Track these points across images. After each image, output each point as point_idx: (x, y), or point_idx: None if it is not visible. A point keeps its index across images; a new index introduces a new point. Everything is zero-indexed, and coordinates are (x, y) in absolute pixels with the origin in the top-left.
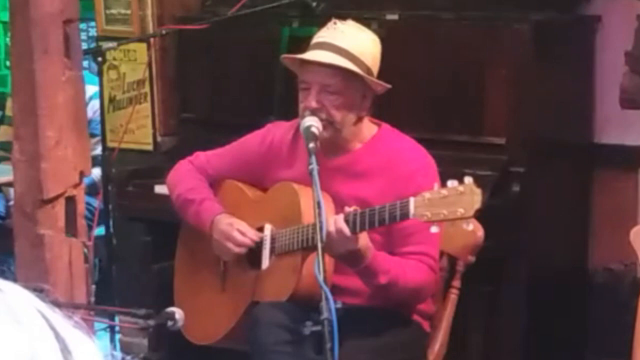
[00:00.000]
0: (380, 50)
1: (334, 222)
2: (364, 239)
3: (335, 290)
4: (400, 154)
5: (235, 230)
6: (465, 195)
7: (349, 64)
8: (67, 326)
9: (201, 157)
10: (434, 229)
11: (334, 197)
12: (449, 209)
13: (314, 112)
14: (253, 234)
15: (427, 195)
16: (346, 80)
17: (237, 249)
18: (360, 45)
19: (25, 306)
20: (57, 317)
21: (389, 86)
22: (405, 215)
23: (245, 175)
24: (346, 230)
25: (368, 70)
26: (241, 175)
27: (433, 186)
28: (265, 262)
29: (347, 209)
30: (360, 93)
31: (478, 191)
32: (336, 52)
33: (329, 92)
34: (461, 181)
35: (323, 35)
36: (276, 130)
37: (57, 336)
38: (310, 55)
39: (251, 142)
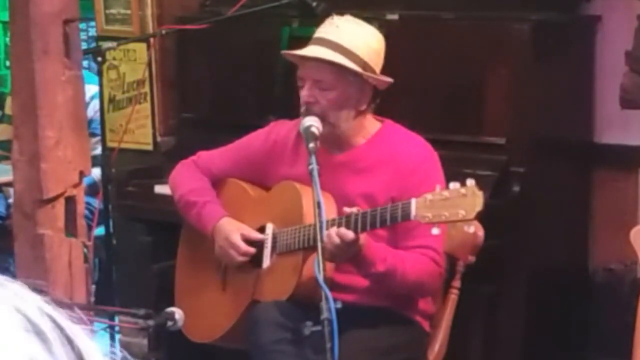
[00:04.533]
0: (382, 44)
1: (343, 234)
2: (361, 237)
3: (335, 287)
4: (403, 148)
5: (239, 236)
6: (466, 197)
7: (341, 58)
8: (79, 333)
9: (204, 156)
10: (435, 231)
11: (339, 192)
12: (450, 210)
13: (308, 107)
14: (256, 237)
15: (428, 196)
16: (339, 75)
17: (240, 258)
18: (356, 39)
19: (38, 313)
20: (69, 324)
21: (388, 80)
22: (406, 217)
23: (248, 173)
24: (350, 238)
25: (364, 65)
26: (244, 174)
27: (435, 186)
28: (267, 261)
29: (346, 210)
30: (357, 87)
31: (480, 193)
32: (329, 47)
33: (321, 88)
34: (463, 183)
35: (320, 30)
36: (280, 128)
37: (73, 346)
38: (304, 50)
39: (255, 140)
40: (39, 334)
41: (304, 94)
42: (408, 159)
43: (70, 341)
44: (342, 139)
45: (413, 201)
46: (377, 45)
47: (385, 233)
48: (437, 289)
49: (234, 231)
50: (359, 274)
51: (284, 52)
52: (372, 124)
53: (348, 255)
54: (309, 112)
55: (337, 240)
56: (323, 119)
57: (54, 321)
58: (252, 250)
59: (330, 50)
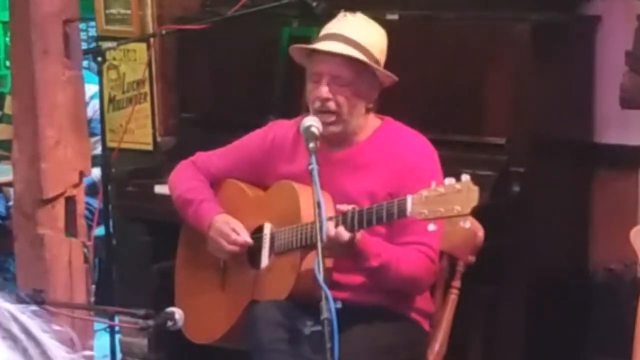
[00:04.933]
0: (386, 43)
1: (337, 233)
2: (358, 233)
3: (335, 286)
4: (403, 145)
5: (230, 228)
6: (462, 192)
7: (361, 55)
8: (43, 334)
9: (203, 157)
10: (431, 227)
11: (338, 189)
12: (446, 206)
13: (324, 104)
14: (245, 234)
15: (424, 193)
16: (357, 72)
17: (229, 247)
18: (370, 37)
19: (5, 316)
20: (33, 324)
21: (396, 78)
22: (402, 213)
23: (247, 172)
24: (346, 236)
25: (377, 63)
26: (244, 173)
27: (430, 183)
28: (265, 261)
29: (340, 207)
30: (369, 85)
31: (475, 189)
32: (347, 43)
33: (339, 84)
34: (458, 179)
35: (332, 26)
36: (278, 127)
37: (44, 352)
38: (323, 45)
39: (253, 139)
40: (13, 340)
41: (322, 89)
42: (407, 155)
43: (39, 344)
44: (345, 136)
45: (409, 197)
46: (385, 44)
47: (382, 229)
48: (431, 285)
49: (227, 222)
50: (353, 267)
51: (298, 46)
52: (372, 121)
53: (342, 251)
54: (323, 109)
55: (332, 233)
56: (337, 115)
57: (20, 324)
58: (242, 239)
59: (349, 46)
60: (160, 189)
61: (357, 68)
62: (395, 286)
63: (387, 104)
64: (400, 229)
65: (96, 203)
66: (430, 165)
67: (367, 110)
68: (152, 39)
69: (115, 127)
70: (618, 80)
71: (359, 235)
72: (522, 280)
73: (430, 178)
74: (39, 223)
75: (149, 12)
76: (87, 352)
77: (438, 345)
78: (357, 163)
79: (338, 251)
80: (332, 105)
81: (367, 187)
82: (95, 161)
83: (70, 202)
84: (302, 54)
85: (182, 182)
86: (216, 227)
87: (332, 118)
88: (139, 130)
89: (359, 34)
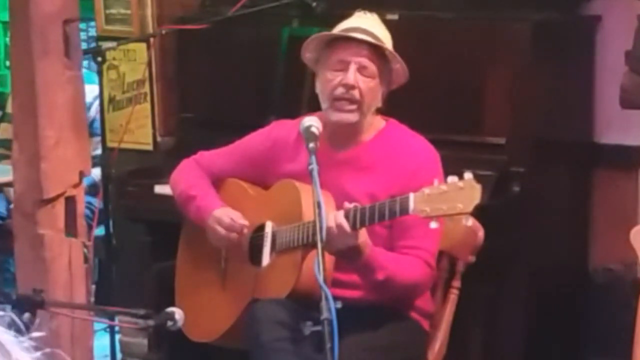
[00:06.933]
0: None
1: (334, 217)
2: (363, 236)
3: (336, 284)
4: (407, 148)
5: (228, 217)
6: (464, 190)
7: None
8: (12, 343)
9: (205, 155)
10: (434, 225)
11: (341, 190)
12: (449, 204)
13: (349, 90)
14: (243, 221)
15: (426, 190)
16: (381, 65)
17: (226, 233)
18: (386, 36)
19: None
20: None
21: (407, 77)
22: (405, 211)
23: (249, 172)
24: (346, 226)
25: None
26: (246, 173)
27: (433, 181)
28: (266, 259)
29: (347, 205)
30: (386, 80)
31: (478, 187)
32: (371, 36)
33: (364, 74)
34: (461, 177)
35: (352, 22)
36: (281, 128)
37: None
38: (354, 34)
39: (256, 138)
40: None
41: (350, 75)
42: (410, 159)
43: (8, 354)
44: (352, 134)
45: (411, 195)
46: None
47: (383, 231)
48: (428, 289)
49: (227, 213)
50: (360, 279)
51: (327, 33)
52: (378, 122)
53: (343, 244)
54: (347, 96)
55: (332, 224)
56: (358, 105)
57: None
58: (239, 223)
59: (375, 40)
60: (160, 189)
61: (380, 62)
62: (396, 295)
63: (387, 104)
64: (400, 232)
65: (97, 202)
66: (433, 170)
67: (378, 109)
68: (152, 39)
69: (115, 127)
70: (618, 80)
71: (363, 237)
72: (522, 280)
73: (433, 182)
74: (39, 223)
75: (149, 12)
76: (37, 333)
77: (438, 345)
78: (359, 164)
79: (338, 245)
80: (356, 93)
81: (368, 189)
82: (95, 161)
83: (70, 202)
84: (319, 44)
85: (185, 179)
86: (215, 216)
87: (353, 107)
88: (139, 130)
89: (380, 32)
